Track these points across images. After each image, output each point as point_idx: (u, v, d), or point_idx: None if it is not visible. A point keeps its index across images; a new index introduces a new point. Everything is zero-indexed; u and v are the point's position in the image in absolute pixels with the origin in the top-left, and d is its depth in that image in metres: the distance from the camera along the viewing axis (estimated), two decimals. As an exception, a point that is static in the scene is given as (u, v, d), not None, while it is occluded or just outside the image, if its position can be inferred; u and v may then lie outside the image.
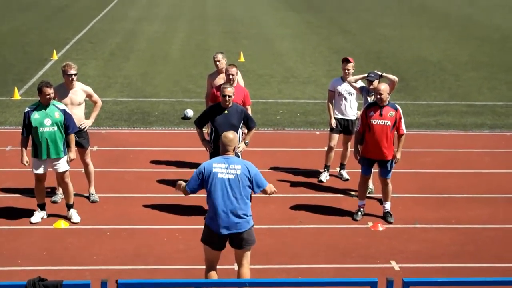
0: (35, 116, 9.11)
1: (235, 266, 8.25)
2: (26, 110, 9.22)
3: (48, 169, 9.36)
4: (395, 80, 10.13)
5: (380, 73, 10.28)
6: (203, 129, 9.71)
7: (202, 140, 9.66)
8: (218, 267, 7.99)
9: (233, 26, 28.82)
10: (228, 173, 6.94)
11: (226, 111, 9.30)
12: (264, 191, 7.19)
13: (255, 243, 7.25)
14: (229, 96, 9.17)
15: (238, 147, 9.53)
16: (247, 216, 7.05)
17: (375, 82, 10.08)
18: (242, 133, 9.67)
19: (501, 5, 38.02)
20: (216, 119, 9.31)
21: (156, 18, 30.28)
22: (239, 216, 6.97)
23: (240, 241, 7.09)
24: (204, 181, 7.01)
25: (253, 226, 7.18)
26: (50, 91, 9.10)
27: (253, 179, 7.02)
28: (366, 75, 10.37)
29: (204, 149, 9.78)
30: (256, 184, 7.06)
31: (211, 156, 9.62)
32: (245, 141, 9.73)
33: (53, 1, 35.70)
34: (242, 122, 9.47)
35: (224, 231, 6.98)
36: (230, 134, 7.13)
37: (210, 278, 7.22)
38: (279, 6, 35.96)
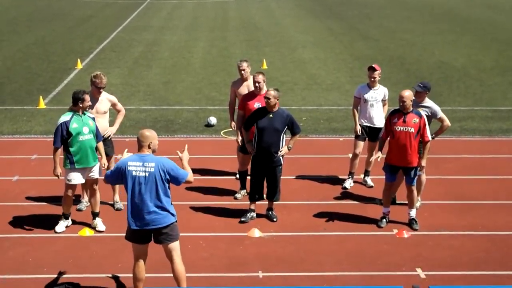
0: (74, 125, 9.07)
1: (260, 274, 8.26)
2: (63, 121, 9.07)
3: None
4: (448, 126, 10.15)
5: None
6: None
7: (247, 142, 9.72)
8: (242, 274, 7.97)
9: (254, 34, 28.87)
10: (142, 171, 7.11)
11: (271, 115, 9.34)
12: (188, 182, 7.34)
13: (177, 239, 7.36)
14: (268, 99, 9.26)
15: (281, 151, 9.52)
16: (163, 211, 7.19)
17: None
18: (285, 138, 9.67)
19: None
20: (260, 122, 9.37)
21: (177, 28, 30.46)
22: (153, 212, 7.15)
23: (160, 236, 7.26)
24: (122, 178, 7.19)
25: (175, 222, 7.32)
26: (89, 98, 9.21)
27: (170, 174, 7.18)
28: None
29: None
30: (176, 178, 7.21)
31: (253, 159, 9.63)
32: (288, 146, 9.70)
33: (77, 12, 36.10)
34: (287, 127, 9.47)
35: (139, 227, 7.17)
36: (146, 132, 7.25)
37: (137, 270, 7.34)
38: (300, 14, 35.98)
